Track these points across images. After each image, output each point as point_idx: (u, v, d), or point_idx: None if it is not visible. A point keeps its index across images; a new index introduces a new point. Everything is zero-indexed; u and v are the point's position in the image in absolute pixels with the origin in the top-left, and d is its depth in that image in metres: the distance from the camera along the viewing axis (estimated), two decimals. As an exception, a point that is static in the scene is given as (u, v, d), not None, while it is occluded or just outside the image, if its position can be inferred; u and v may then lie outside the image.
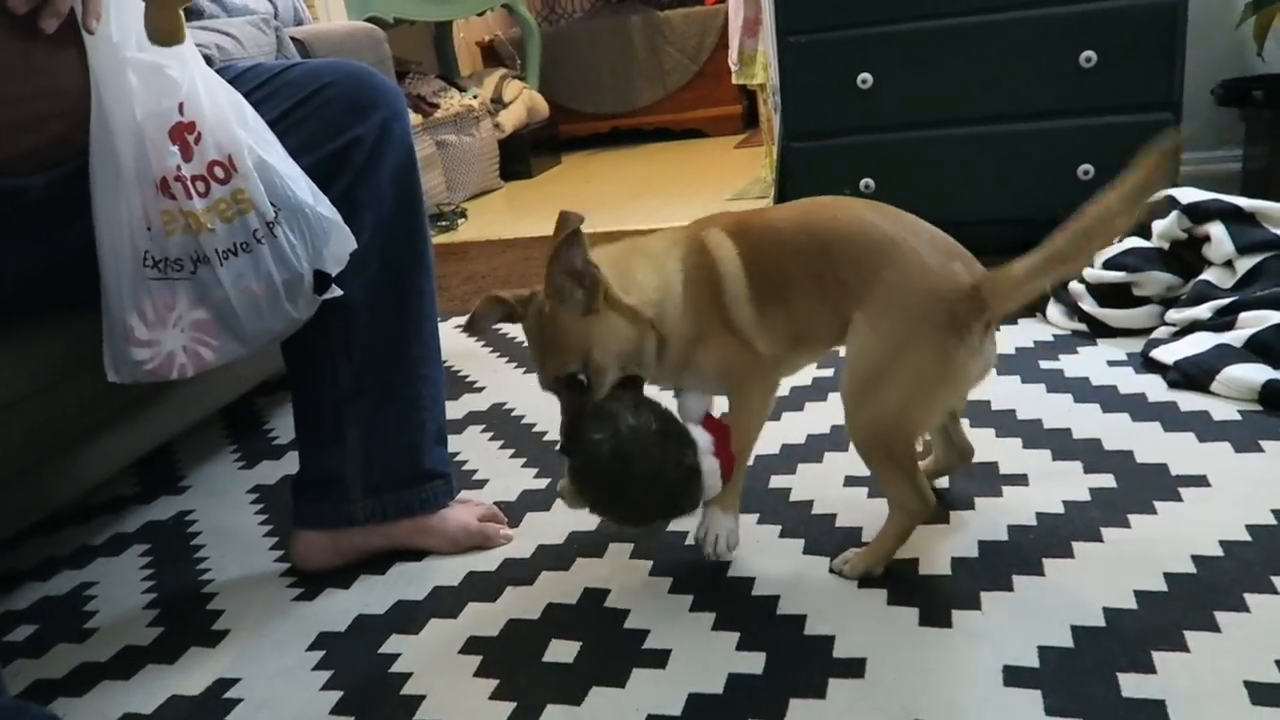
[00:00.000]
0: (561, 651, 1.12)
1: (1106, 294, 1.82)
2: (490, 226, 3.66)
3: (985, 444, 1.45)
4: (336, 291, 1.20)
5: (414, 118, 3.83)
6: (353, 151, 1.27)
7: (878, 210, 1.17)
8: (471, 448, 1.73)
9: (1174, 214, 1.80)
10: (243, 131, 1.11)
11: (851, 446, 1.15)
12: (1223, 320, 1.63)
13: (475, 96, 4.26)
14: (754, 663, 1.05)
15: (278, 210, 1.13)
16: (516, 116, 4.50)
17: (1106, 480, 1.32)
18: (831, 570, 1.18)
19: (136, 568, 1.46)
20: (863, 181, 2.41)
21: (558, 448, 1.14)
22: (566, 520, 1.41)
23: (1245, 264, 1.70)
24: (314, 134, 1.24)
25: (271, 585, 1.35)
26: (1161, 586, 1.08)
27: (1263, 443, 1.36)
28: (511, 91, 4.54)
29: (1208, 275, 1.74)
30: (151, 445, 1.49)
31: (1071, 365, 1.71)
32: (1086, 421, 1.49)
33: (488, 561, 1.33)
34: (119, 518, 1.63)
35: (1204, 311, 1.67)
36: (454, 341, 2.36)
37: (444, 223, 3.76)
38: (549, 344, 1.13)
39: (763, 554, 1.25)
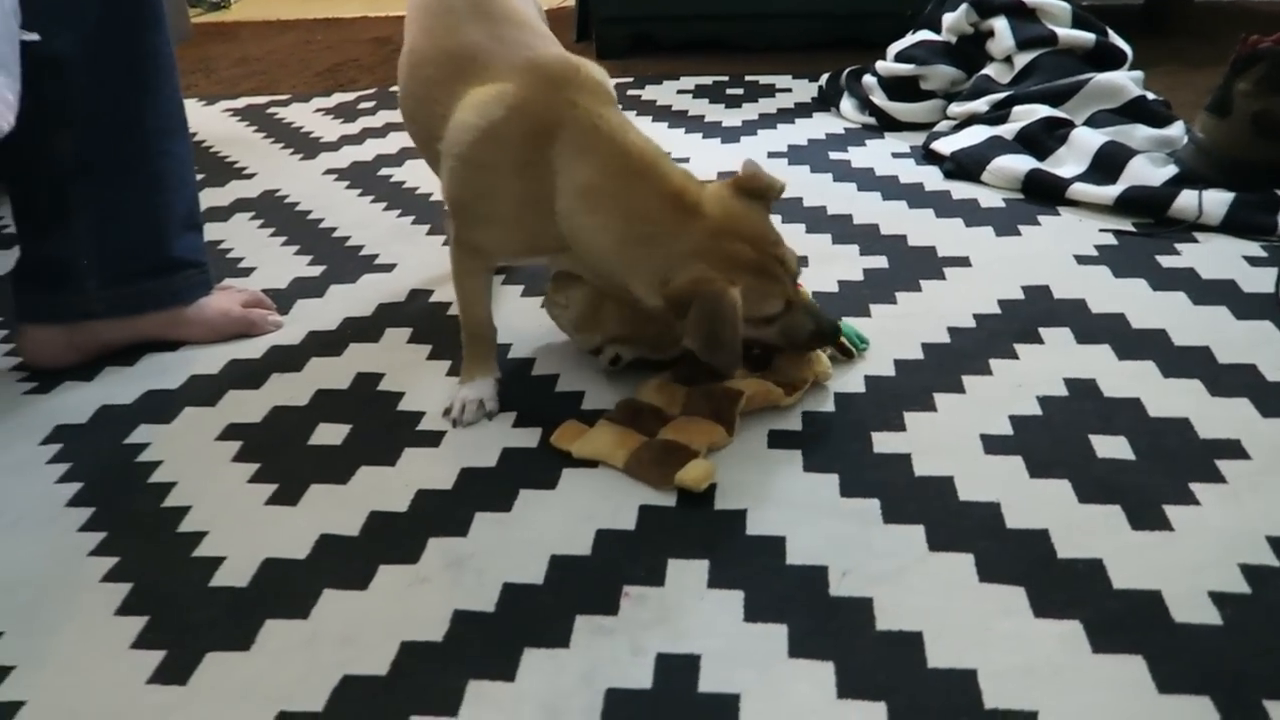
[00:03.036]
0: (329, 434, 1.07)
1: (895, 88, 1.85)
2: (267, 7, 3.29)
3: (770, 229, 1.46)
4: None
5: None
6: None
7: None
8: (238, 235, 1.58)
9: (963, 7, 1.82)
10: None
11: None
12: (997, 114, 1.69)
13: None
14: (529, 438, 1.04)
15: None
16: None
17: (880, 262, 1.36)
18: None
19: None
20: (668, -34, 2.30)
21: (829, 338, 1.04)
22: (340, 307, 1.33)
23: (1023, 59, 1.75)
24: None
25: (-1, 380, 1.21)
26: (919, 355, 1.14)
27: (1021, 227, 1.44)
28: None
29: (989, 70, 1.79)
30: None
31: (858, 156, 1.74)
32: (867, 209, 1.53)
33: (252, 349, 1.24)
34: None
35: (982, 105, 1.72)
36: (220, 125, 2.13)
37: (212, 0, 3.35)
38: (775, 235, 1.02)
39: (539, 336, 1.22)
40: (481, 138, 1.00)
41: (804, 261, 1.37)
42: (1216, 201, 1.40)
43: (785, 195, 1.55)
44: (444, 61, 1.08)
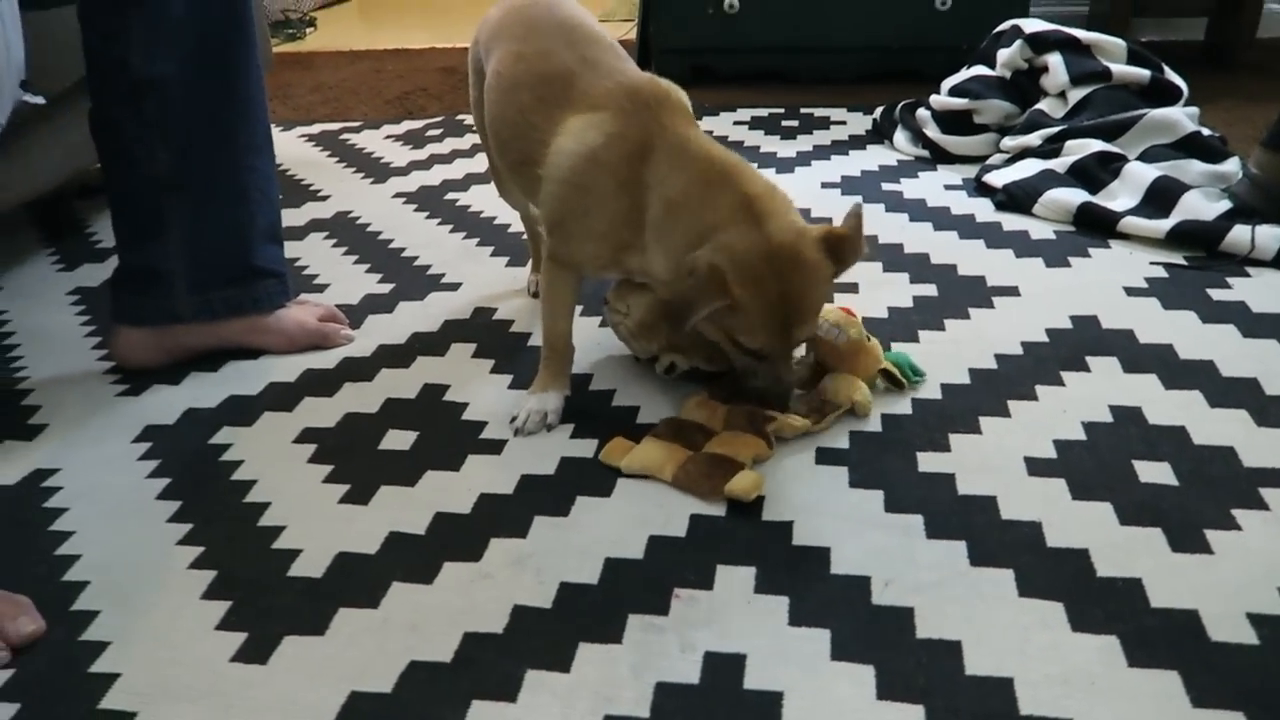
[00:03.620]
0: (398, 440, 1.13)
1: (949, 121, 1.88)
2: (341, 37, 3.43)
3: (822, 256, 1.51)
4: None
5: (252, -91, 3.47)
6: (162, -92, 1.14)
7: None
8: (313, 254, 1.67)
9: (1018, 43, 1.85)
10: None
11: None
12: (1051, 147, 1.72)
13: (323, -109, 3.89)
14: (586, 448, 1.09)
15: None
16: (370, -82, 4.14)
17: (929, 289, 1.39)
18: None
19: (-58, 367, 1.37)
20: (727, 2, 2.36)
21: (769, 407, 1.05)
22: (409, 322, 1.40)
23: (1077, 94, 1.77)
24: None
25: (93, 382, 1.29)
26: (965, 380, 1.17)
27: (1071, 259, 1.46)
28: (364, -111, 4.16)
29: (1042, 105, 1.81)
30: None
31: (911, 188, 1.77)
32: (918, 238, 1.56)
33: (326, 360, 1.31)
34: (-80, 318, 1.51)
35: (1035, 139, 1.75)
36: (297, 149, 2.24)
37: (290, 30, 3.50)
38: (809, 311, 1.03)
39: (597, 352, 1.27)
40: (583, 163, 1.07)
41: (854, 288, 1.41)
42: (1270, 236, 1.41)
43: (839, 224, 1.59)
44: (538, 86, 1.14)
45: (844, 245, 1.01)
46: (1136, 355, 1.20)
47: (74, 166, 1.59)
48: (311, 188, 1.99)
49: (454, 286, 1.51)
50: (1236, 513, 0.92)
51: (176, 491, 1.06)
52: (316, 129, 2.40)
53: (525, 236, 1.53)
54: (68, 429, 1.19)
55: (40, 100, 1.02)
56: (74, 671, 0.82)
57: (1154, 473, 0.99)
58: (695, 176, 1.03)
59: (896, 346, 1.23)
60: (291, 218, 1.82)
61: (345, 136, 2.31)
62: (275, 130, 2.36)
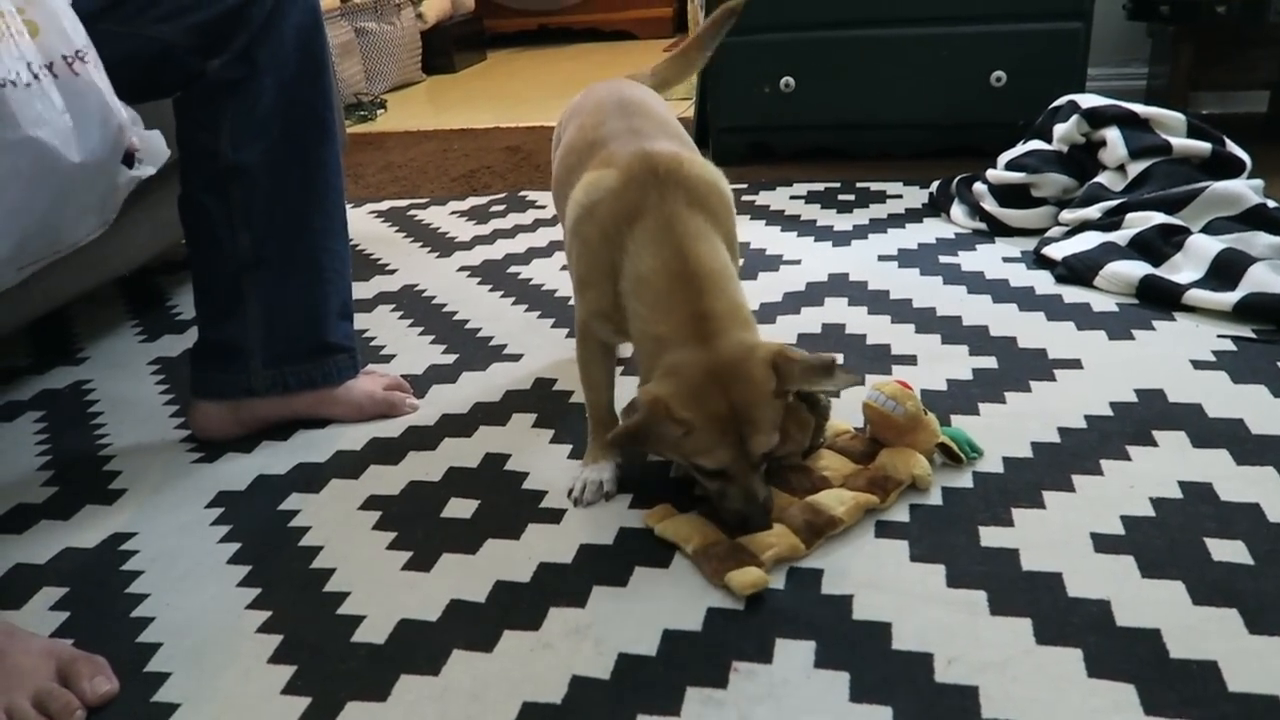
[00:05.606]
0: (460, 509, 1.15)
1: (1007, 194, 1.89)
2: (410, 119, 3.57)
3: (880, 329, 1.51)
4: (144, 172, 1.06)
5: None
6: (251, 9, 1.22)
7: None
8: (381, 325, 1.72)
9: (1075, 118, 1.86)
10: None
11: None
12: (1110, 220, 1.71)
13: (396, -18, 4.10)
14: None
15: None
16: (439, 7, 4.35)
17: (989, 362, 1.39)
18: None
19: (30, 433, 1.43)
20: (783, 80, 2.42)
21: (748, 530, 1.01)
22: (471, 392, 1.43)
23: (1136, 168, 1.77)
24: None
25: (171, 450, 1.35)
26: (1027, 454, 1.16)
27: (1134, 331, 1.44)
28: (434, -20, 4.38)
29: (1101, 178, 1.81)
30: (40, 311, 1.45)
31: (969, 260, 1.77)
32: (977, 310, 1.56)
33: (391, 429, 1.35)
34: (12, 386, 1.59)
35: (1094, 212, 1.74)
36: (366, 225, 2.32)
37: (362, 112, 3.66)
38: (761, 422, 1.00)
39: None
40: (583, 214, 1.10)
41: (913, 360, 1.41)
42: (1342, 309, 1.38)
43: (896, 297, 1.60)
44: (583, 150, 1.19)
45: (791, 368, 0.99)
46: (1206, 430, 1.17)
47: (161, 244, 1.68)
48: (380, 262, 2.06)
49: (516, 358, 1.54)
50: (1317, 594, 0.89)
51: (247, 556, 1.09)
52: (386, 205, 2.49)
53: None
54: (145, 494, 1.24)
55: (152, 171, 1.07)
56: (146, 732, 0.84)
57: (1228, 551, 0.96)
58: (665, 265, 1.03)
59: (956, 420, 1.23)
60: (360, 290, 1.89)
61: (413, 213, 2.40)
62: (348, 208, 2.46)
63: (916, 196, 2.16)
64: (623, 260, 1.07)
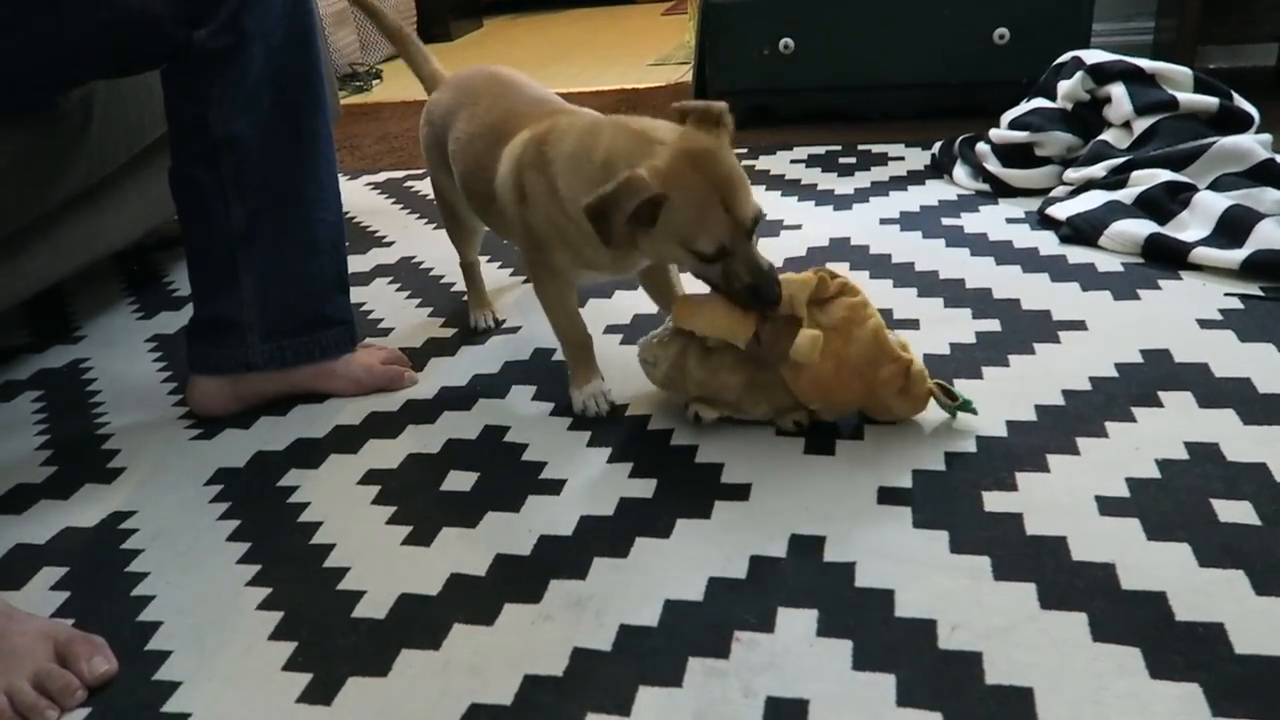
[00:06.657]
0: (459, 481, 1.14)
1: (1010, 154, 1.86)
2: (406, 89, 3.53)
3: (883, 293, 1.49)
4: None
5: (322, -31, 3.62)
6: (238, -25, 1.20)
7: None
8: (378, 298, 1.71)
9: (1079, 74, 1.82)
10: None
11: None
12: (1116, 179, 1.68)
13: (389, -50, 4.04)
14: (645, 488, 1.09)
15: None
16: (433, -26, 4.29)
17: (992, 325, 1.37)
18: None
19: (29, 413, 1.43)
20: (782, 42, 2.38)
21: (763, 300, 1.05)
22: (470, 365, 1.42)
23: (1142, 124, 1.74)
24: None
25: (169, 428, 1.34)
26: (1031, 417, 1.14)
27: (1140, 291, 1.42)
28: (428, -54, 4.31)
29: (1106, 135, 1.78)
30: (34, 289, 1.44)
31: (972, 222, 1.75)
32: (980, 273, 1.54)
33: (390, 403, 1.34)
34: (10, 366, 1.59)
35: (1099, 170, 1.71)
36: (363, 197, 2.30)
37: (357, 83, 3.62)
38: (740, 185, 1.04)
39: (655, 393, 1.27)
40: (511, 180, 1.19)
41: (915, 324, 1.39)
42: (1352, 265, 1.36)
43: (898, 261, 1.59)
44: (488, 133, 1.27)
45: (726, 119, 1.06)
46: (1212, 390, 1.16)
47: (153, 220, 1.66)
48: (377, 234, 2.04)
49: (514, 330, 1.53)
50: (1325, 554, 0.88)
51: (246, 533, 1.09)
52: (382, 177, 2.46)
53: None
54: (144, 472, 1.23)
55: None
56: (147, 710, 0.84)
57: (1235, 512, 0.95)
58: (581, 137, 1.11)
59: (959, 385, 1.21)
60: (357, 263, 1.87)
61: (409, 184, 2.38)
62: (342, 179, 2.43)
63: (918, 158, 2.13)
64: (552, 171, 1.12)
